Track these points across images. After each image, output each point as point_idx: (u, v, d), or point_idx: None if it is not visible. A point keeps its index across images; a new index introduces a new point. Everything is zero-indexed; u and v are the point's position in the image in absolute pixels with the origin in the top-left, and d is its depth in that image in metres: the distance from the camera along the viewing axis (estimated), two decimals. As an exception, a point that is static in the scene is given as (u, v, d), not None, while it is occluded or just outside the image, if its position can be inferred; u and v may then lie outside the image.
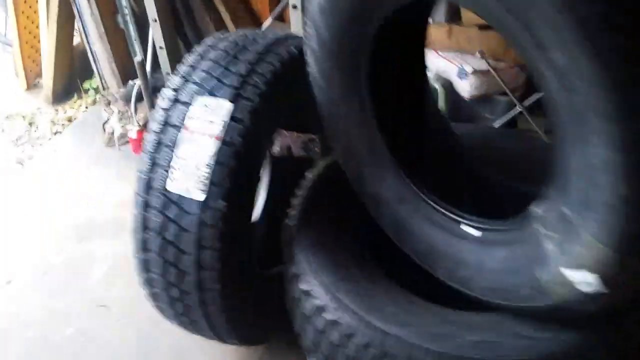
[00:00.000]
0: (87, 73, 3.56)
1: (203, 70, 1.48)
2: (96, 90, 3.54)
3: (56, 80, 3.56)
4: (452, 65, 2.68)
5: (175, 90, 1.47)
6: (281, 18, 3.42)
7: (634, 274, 0.98)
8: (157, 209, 1.42)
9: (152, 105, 2.76)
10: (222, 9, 3.23)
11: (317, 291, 1.35)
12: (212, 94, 1.44)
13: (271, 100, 1.45)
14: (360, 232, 1.55)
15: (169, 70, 3.08)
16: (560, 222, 1.05)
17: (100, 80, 3.41)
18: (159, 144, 1.43)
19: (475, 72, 2.64)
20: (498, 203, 1.39)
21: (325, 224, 1.53)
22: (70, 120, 3.43)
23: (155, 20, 2.92)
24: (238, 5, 3.33)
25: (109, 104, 3.14)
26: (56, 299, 2.14)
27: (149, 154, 1.44)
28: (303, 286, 1.37)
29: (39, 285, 2.23)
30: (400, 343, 1.19)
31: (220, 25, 3.26)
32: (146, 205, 1.44)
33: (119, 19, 3.05)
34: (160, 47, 3.02)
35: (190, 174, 1.38)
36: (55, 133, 3.34)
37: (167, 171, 1.40)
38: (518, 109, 2.36)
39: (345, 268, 1.42)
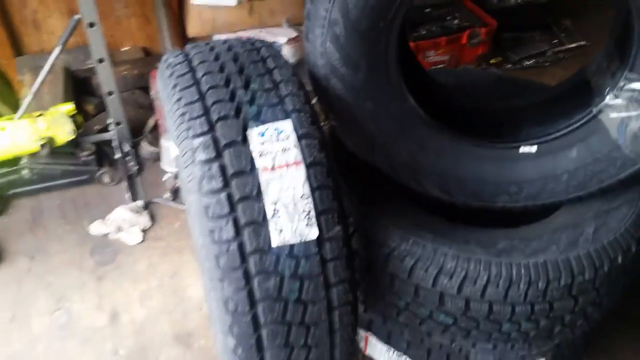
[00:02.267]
0: None
1: (223, 101, 1.22)
2: None
3: None
4: (263, 42, 2.67)
5: (205, 134, 1.18)
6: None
7: None
8: (266, 272, 1.16)
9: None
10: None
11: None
12: (259, 120, 1.21)
13: (311, 103, 1.29)
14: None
15: None
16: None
17: None
18: (231, 201, 1.15)
19: (289, 40, 2.69)
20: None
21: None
22: None
23: None
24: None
25: None
26: None
27: (222, 217, 1.14)
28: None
29: None
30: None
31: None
32: (247, 277, 1.16)
33: None
34: None
35: (292, 215, 1.17)
36: None
37: (263, 226, 1.15)
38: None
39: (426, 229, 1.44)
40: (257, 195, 1.16)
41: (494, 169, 1.51)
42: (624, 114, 1.33)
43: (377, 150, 1.51)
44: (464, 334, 1.40)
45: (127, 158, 2.47)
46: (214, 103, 1.22)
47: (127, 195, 2.33)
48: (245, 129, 1.19)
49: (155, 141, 2.54)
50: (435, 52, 3.00)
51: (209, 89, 1.25)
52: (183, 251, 2.16)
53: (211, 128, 1.19)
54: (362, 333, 1.69)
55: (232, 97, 1.24)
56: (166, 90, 1.32)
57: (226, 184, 1.16)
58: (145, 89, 2.84)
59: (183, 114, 1.23)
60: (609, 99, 1.36)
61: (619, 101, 1.34)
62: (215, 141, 1.18)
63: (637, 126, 1.33)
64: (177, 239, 2.21)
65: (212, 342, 1.83)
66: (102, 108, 2.70)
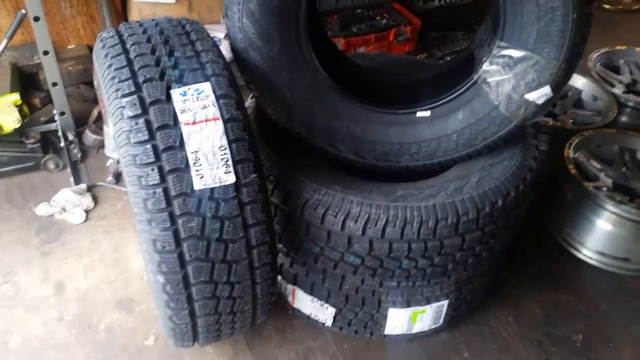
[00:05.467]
0: None
1: (149, 66, 1.39)
2: None
3: None
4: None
5: (132, 94, 1.35)
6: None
7: (570, 74, 1.53)
8: (190, 213, 1.33)
9: None
10: None
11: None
12: (181, 82, 1.38)
13: (230, 70, 1.47)
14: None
15: None
16: (515, 63, 1.52)
17: None
18: (156, 151, 1.31)
19: (226, 36, 2.87)
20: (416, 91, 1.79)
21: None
22: None
23: None
24: None
25: None
26: None
27: (147, 165, 1.31)
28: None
29: None
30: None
31: None
32: (172, 218, 1.32)
33: None
34: None
35: (212, 163, 1.34)
36: None
37: (186, 172, 1.32)
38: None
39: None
40: (180, 145, 1.33)
41: (397, 133, 1.72)
42: (498, 78, 1.57)
43: (295, 118, 1.69)
44: (371, 273, 1.59)
45: (72, 146, 2.59)
46: (140, 68, 1.39)
47: (71, 179, 2.45)
48: (169, 89, 1.36)
49: (99, 130, 2.67)
50: (365, 49, 3.24)
51: (136, 56, 1.41)
52: (125, 228, 2.29)
53: (138, 89, 1.36)
54: (289, 287, 1.87)
55: (158, 63, 1.40)
56: (99, 60, 1.48)
57: (152, 136, 1.32)
58: (90, 84, 2.98)
59: (113, 78, 1.39)
60: (486, 66, 1.58)
61: (494, 67, 1.57)
62: (141, 100, 1.34)
63: (510, 88, 1.56)
64: (120, 218, 2.34)
65: (153, 306, 1.97)
66: (47, 102, 2.82)
